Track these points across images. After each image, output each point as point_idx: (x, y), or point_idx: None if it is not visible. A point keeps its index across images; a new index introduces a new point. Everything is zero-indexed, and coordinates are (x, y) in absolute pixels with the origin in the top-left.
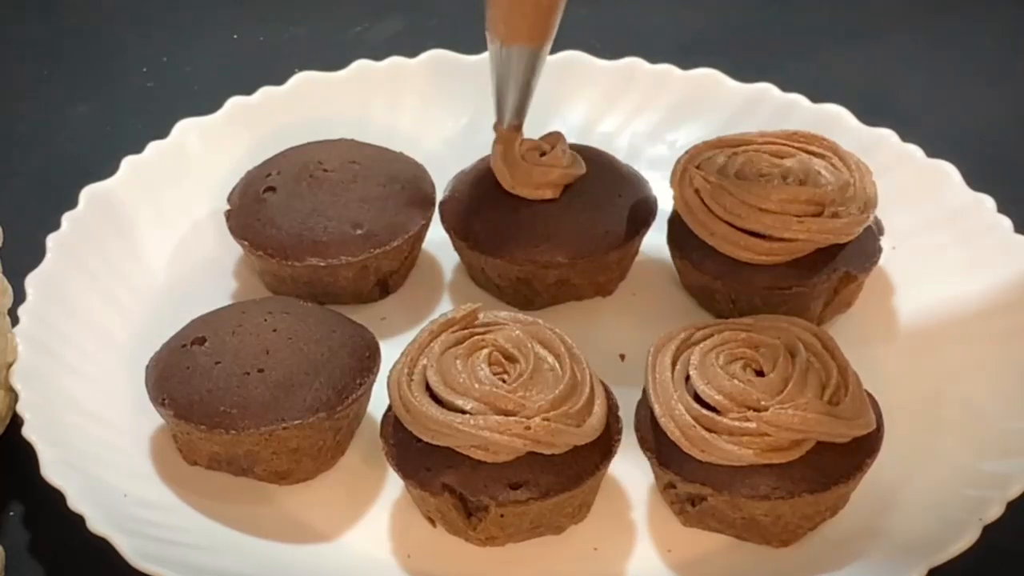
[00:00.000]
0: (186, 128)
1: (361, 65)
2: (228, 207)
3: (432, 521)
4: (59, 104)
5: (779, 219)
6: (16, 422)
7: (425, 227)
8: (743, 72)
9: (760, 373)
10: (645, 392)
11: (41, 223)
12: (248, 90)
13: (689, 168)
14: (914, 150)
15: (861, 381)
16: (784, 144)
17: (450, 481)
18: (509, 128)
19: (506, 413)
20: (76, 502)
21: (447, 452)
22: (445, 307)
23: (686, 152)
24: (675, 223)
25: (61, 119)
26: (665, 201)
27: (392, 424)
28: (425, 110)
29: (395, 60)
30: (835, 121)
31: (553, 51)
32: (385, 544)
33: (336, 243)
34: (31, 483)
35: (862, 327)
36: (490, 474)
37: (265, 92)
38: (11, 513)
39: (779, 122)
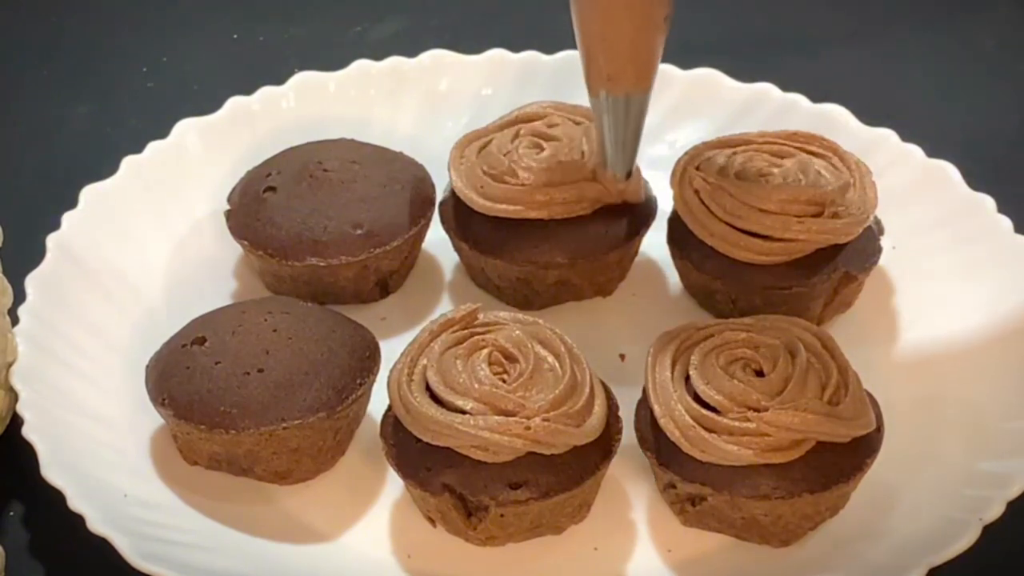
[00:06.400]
0: (186, 128)
1: (361, 65)
2: (228, 207)
3: (432, 521)
4: (59, 104)
5: (779, 219)
6: (16, 422)
7: (425, 227)
8: (743, 72)
9: (760, 373)
10: (645, 392)
11: (41, 223)
12: (248, 90)
13: (689, 168)
14: (914, 150)
15: (861, 381)
16: (784, 144)
17: (450, 481)
18: (620, 175)
19: (506, 413)
20: (76, 502)
21: (447, 452)
22: (445, 307)
23: (686, 152)
24: (675, 223)
25: (61, 119)
26: (665, 201)
27: (392, 424)
28: (425, 110)
29: (395, 60)
30: (835, 121)
31: (553, 51)
32: (385, 544)
33: (336, 243)
34: (31, 483)
35: (862, 327)
36: (490, 474)
37: (265, 92)
38: (11, 513)
39: (779, 122)
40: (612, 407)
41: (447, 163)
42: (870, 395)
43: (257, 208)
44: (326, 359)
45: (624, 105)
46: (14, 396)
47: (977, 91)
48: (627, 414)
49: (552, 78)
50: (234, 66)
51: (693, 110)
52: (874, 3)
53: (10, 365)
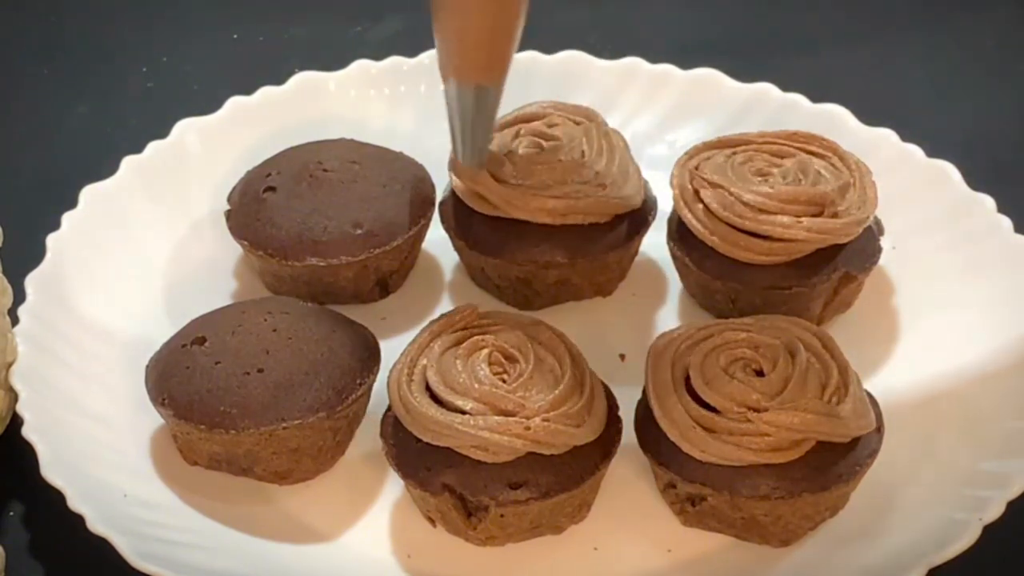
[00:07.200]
0: (186, 128)
1: (361, 65)
2: (228, 207)
3: (432, 521)
4: (59, 104)
5: (779, 219)
6: (16, 422)
7: (425, 227)
8: (743, 72)
9: (760, 373)
10: (645, 392)
11: (41, 223)
12: (248, 90)
13: (689, 168)
14: (914, 150)
15: (861, 381)
16: (784, 144)
17: (450, 481)
18: (470, 166)
19: (506, 413)
20: (76, 502)
21: (447, 452)
22: (445, 307)
23: (686, 152)
24: (675, 223)
25: (61, 119)
26: (665, 201)
27: (392, 424)
28: (425, 110)
29: (395, 60)
30: (835, 121)
31: (553, 51)
32: (385, 544)
33: (336, 243)
34: (31, 483)
35: (862, 327)
36: (490, 474)
37: (265, 92)
38: (11, 513)
39: (779, 122)
40: (612, 407)
41: (447, 163)
42: (870, 395)
43: (257, 208)
44: (326, 359)
45: (474, 96)
46: (14, 396)
47: (977, 91)
48: (627, 414)
49: (552, 78)
50: (234, 66)
51: (693, 110)
52: (874, 3)
53: (10, 365)
